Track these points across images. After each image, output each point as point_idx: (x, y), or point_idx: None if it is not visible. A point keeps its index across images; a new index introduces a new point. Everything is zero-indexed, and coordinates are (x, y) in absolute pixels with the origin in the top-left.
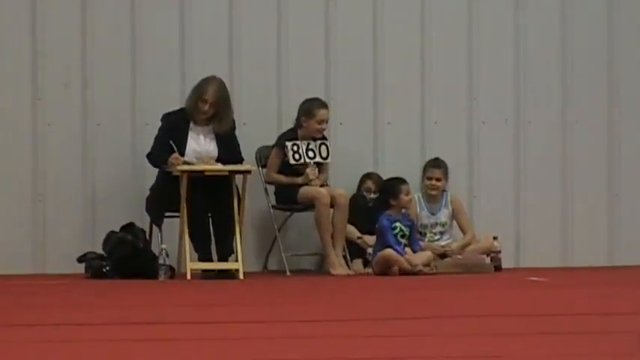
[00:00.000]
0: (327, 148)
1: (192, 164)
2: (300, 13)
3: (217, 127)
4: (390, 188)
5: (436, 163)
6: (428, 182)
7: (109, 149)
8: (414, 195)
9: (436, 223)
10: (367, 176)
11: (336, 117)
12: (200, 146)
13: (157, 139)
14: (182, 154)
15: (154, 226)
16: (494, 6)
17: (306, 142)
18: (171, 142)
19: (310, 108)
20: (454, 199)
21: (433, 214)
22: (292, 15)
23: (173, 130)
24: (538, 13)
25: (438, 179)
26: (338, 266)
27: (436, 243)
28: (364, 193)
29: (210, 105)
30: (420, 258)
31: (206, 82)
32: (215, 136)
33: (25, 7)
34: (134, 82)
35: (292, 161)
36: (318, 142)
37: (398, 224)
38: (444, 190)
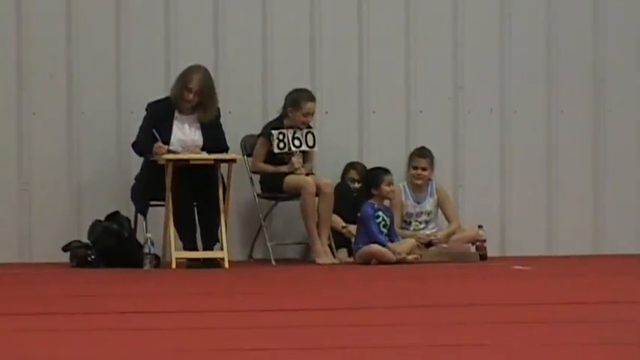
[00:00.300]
0: (314, 136)
1: (178, 153)
2: (286, 1)
3: (202, 116)
4: (373, 178)
5: (422, 153)
6: (414, 172)
7: (94, 138)
8: (399, 184)
9: (421, 212)
10: (351, 166)
11: (322, 106)
12: (185, 135)
13: (141, 128)
14: (167, 143)
15: (139, 215)
16: None
17: (292, 131)
18: (154, 131)
19: (298, 99)
20: (440, 189)
21: (418, 202)
22: (278, 4)
23: (158, 119)
24: (524, 2)
25: (423, 169)
26: (323, 255)
27: (422, 232)
28: (348, 182)
29: (195, 94)
30: (403, 247)
31: (190, 70)
32: (200, 125)
33: None
34: (119, 71)
35: (277, 150)
36: (305, 130)
37: (381, 214)
38: (429, 180)
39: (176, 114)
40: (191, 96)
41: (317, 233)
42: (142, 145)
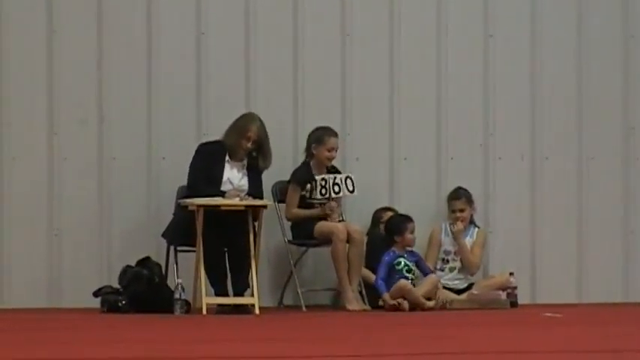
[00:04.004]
0: (352, 181)
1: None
2: (317, 48)
3: (262, 163)
4: (396, 226)
5: (456, 195)
6: (452, 215)
7: (124, 183)
8: (441, 223)
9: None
10: (386, 209)
11: (353, 152)
12: (234, 180)
13: (195, 168)
14: (219, 184)
15: (170, 260)
16: (511, 42)
17: (332, 177)
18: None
19: (321, 136)
20: (480, 233)
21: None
22: (308, 51)
23: (210, 160)
24: (554, 49)
25: (461, 210)
26: (354, 302)
27: (455, 272)
28: (381, 227)
29: (253, 142)
30: (421, 288)
31: (247, 119)
32: (247, 171)
33: (41, 42)
34: (149, 116)
35: (319, 196)
36: (344, 175)
37: (402, 260)
38: (472, 222)
39: (227, 158)
40: (249, 144)
41: (348, 280)
42: (199, 187)
